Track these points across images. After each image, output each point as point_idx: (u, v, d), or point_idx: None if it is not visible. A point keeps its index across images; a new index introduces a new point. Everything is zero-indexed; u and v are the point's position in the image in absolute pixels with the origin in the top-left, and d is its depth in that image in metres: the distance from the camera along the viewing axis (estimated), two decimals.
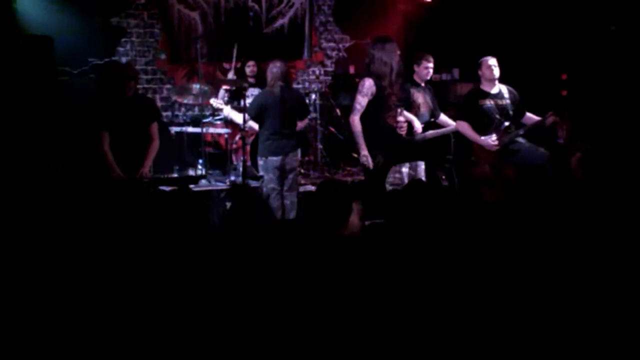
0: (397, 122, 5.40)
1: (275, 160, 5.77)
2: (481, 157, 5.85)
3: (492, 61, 5.85)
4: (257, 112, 5.84)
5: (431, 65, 6.10)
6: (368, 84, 5.12)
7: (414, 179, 5.61)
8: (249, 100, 6.60)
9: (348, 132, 6.41)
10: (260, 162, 5.89)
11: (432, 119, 6.10)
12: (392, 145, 5.26)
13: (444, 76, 8.97)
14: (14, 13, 6.89)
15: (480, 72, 5.91)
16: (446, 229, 2.61)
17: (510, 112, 5.89)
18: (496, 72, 5.83)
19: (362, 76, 5.32)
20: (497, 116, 5.84)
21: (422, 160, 5.90)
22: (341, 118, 8.37)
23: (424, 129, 5.91)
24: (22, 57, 6.12)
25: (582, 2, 7.33)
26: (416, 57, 6.11)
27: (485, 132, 5.83)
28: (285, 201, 5.85)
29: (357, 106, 5.14)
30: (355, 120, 5.12)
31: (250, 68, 7.95)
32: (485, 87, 5.92)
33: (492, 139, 5.78)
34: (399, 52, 5.23)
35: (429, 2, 8.81)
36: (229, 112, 6.94)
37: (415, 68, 6.08)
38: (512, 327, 2.11)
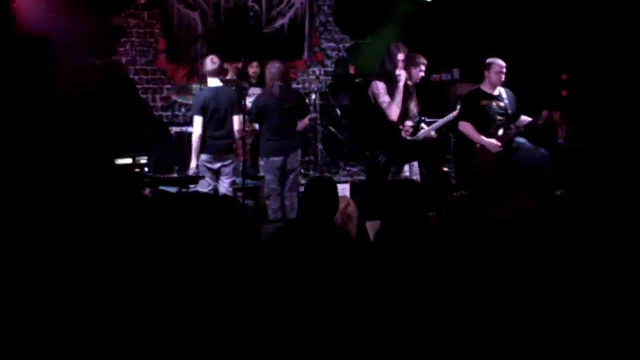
0: (404, 125, 5.50)
1: (276, 160, 5.77)
2: (483, 157, 5.85)
3: (503, 67, 5.82)
4: (257, 115, 5.85)
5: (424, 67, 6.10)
6: (381, 85, 5.38)
7: (408, 180, 5.64)
8: (249, 100, 6.60)
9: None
10: (261, 162, 5.88)
11: (424, 117, 6.14)
12: (394, 146, 5.34)
13: (444, 76, 8.96)
14: (13, 13, 6.88)
15: (486, 74, 5.88)
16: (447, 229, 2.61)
17: (510, 112, 5.90)
18: (503, 78, 5.84)
19: (370, 79, 5.52)
20: (498, 117, 5.85)
21: (422, 160, 5.90)
22: (341, 118, 8.37)
23: (414, 128, 5.97)
24: (18, 57, 6.11)
25: (583, 2, 7.32)
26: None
27: (485, 132, 5.84)
28: (285, 202, 5.85)
29: (385, 104, 5.31)
30: (395, 112, 5.32)
31: (253, 69, 7.97)
32: (486, 88, 5.92)
33: (495, 140, 5.79)
34: (401, 59, 5.33)
35: (429, 2, 8.81)
36: None
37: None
38: (513, 331, 2.11)
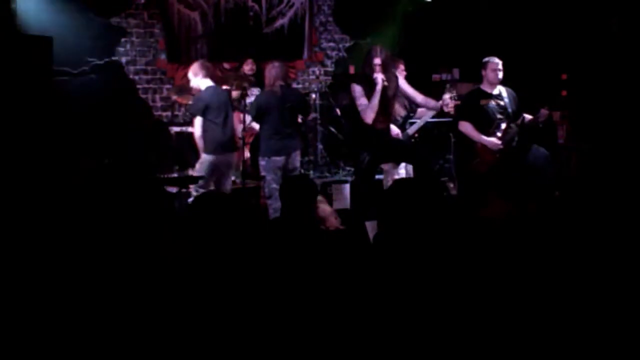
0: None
1: (277, 160, 5.77)
2: (484, 157, 5.85)
3: (498, 65, 5.83)
4: (257, 113, 5.85)
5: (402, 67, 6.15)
6: (358, 88, 5.40)
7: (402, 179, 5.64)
8: (249, 100, 6.61)
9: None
10: (262, 162, 5.88)
11: (411, 114, 6.19)
12: (377, 145, 5.38)
13: (444, 76, 8.96)
14: (14, 13, 6.89)
15: (483, 73, 5.89)
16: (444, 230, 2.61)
17: (510, 111, 5.90)
18: (500, 75, 5.84)
19: (349, 82, 5.57)
20: (499, 116, 5.85)
21: (410, 160, 5.87)
22: (341, 118, 8.38)
23: (402, 124, 6.05)
24: (21, 58, 6.11)
25: (583, 2, 7.33)
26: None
27: (486, 132, 5.84)
28: None
29: (361, 107, 5.32)
30: (370, 116, 5.23)
31: (249, 66, 7.96)
32: (486, 87, 5.92)
33: (495, 139, 5.80)
34: (377, 62, 5.34)
35: (429, 2, 8.81)
36: None
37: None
38: (513, 331, 2.11)
